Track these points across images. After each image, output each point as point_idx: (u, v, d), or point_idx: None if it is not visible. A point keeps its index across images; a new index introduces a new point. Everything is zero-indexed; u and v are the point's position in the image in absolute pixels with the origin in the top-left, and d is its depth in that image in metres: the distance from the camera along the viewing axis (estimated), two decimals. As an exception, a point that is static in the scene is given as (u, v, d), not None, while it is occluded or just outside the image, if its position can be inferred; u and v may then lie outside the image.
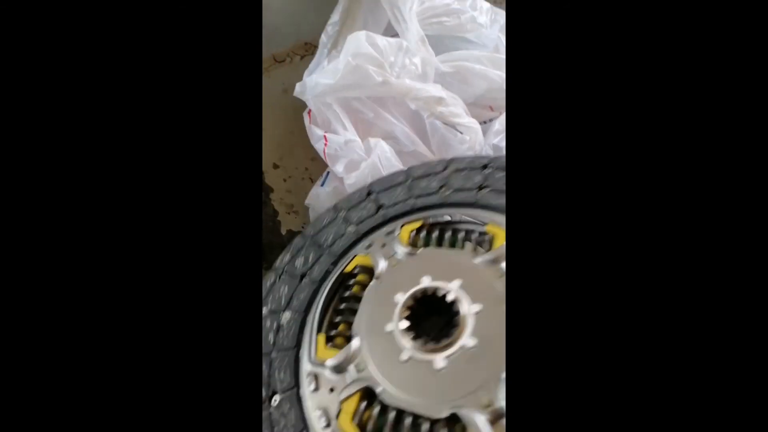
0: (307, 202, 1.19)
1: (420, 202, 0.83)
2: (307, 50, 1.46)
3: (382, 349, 0.71)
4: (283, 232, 1.28)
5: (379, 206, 0.86)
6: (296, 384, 0.74)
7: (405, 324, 0.71)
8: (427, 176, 0.85)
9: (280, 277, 0.83)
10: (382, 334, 0.72)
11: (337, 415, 0.69)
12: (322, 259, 0.82)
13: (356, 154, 1.05)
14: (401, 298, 0.73)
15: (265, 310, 0.81)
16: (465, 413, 0.61)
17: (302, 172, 1.32)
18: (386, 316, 0.73)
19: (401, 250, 0.78)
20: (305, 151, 1.27)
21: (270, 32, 1.33)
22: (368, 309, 0.75)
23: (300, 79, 1.22)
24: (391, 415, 0.67)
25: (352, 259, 0.81)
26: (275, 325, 0.80)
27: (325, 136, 1.07)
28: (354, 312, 0.77)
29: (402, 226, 0.80)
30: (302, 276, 0.81)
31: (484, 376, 0.62)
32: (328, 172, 1.17)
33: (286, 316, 0.80)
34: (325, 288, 0.81)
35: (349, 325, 0.77)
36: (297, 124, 1.26)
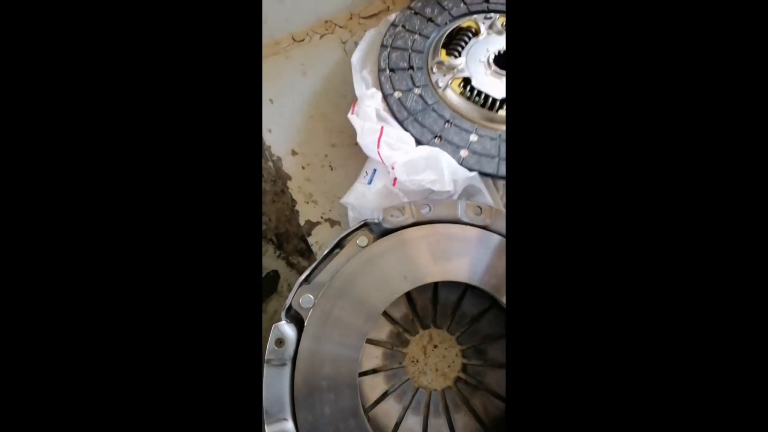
0: (347, 200, 1.13)
1: None
2: (327, 28, 1.39)
3: (477, 67, 1.17)
4: (302, 222, 1.20)
5: (486, 1, 1.28)
6: (422, 67, 1.19)
7: (492, 60, 1.18)
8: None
9: (414, 13, 1.25)
10: (477, 60, 1.18)
11: (448, 85, 1.17)
12: (444, 14, 1.25)
13: (409, 146, 1.10)
14: (492, 49, 1.19)
15: (401, 29, 1.24)
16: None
17: (321, 159, 1.25)
18: (482, 54, 1.18)
19: (497, 27, 1.23)
20: (325, 136, 1.26)
21: (289, 10, 1.33)
22: (473, 48, 1.20)
23: (320, 59, 1.33)
24: (476, 92, 1.16)
25: (465, 21, 1.24)
26: (411, 38, 1.22)
27: (381, 128, 1.09)
28: (463, 47, 1.20)
29: (500, 17, 1.24)
30: (430, 19, 1.24)
31: None
32: (375, 170, 1.15)
33: (416, 36, 1.22)
34: (446, 31, 1.23)
35: (459, 52, 1.19)
36: (317, 109, 1.28)
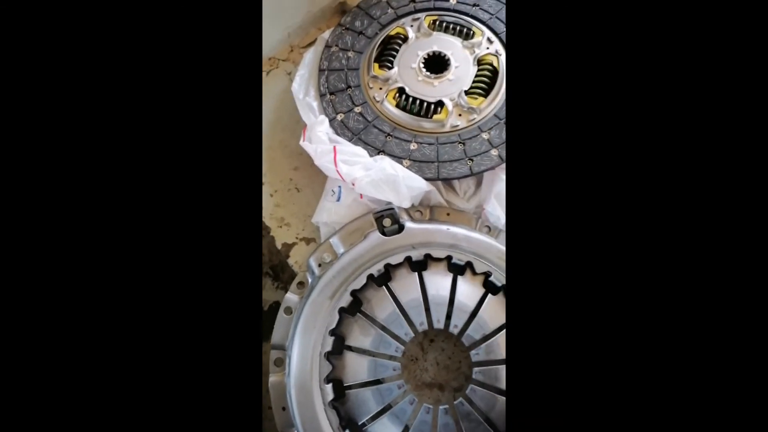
0: (319, 219, 1.21)
1: (439, 5, 1.34)
2: (272, 65, 1.47)
3: (409, 74, 1.24)
4: (279, 246, 1.27)
5: (412, 0, 1.36)
6: (359, 84, 1.24)
7: (422, 64, 1.24)
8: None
9: (345, 29, 1.31)
10: (409, 68, 1.24)
11: (385, 98, 1.25)
12: (373, 25, 1.32)
13: (364, 158, 1.16)
14: (421, 53, 1.26)
15: (335, 48, 1.29)
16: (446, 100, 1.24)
17: (287, 183, 1.32)
18: (412, 60, 1.25)
19: (424, 28, 1.29)
20: (287, 161, 1.34)
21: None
22: (404, 56, 1.26)
23: (270, 94, 1.40)
24: (411, 99, 1.24)
25: (394, 28, 1.30)
26: (345, 56, 1.28)
27: (335, 147, 1.14)
28: (394, 56, 1.26)
29: (426, 16, 1.30)
30: (360, 32, 1.31)
31: (454, 89, 1.23)
32: (340, 187, 1.21)
33: (350, 54, 1.28)
34: (377, 42, 1.29)
35: (391, 62, 1.26)
36: (274, 139, 1.37)
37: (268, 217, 1.28)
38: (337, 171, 1.12)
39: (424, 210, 1.14)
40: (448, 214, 1.14)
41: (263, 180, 1.31)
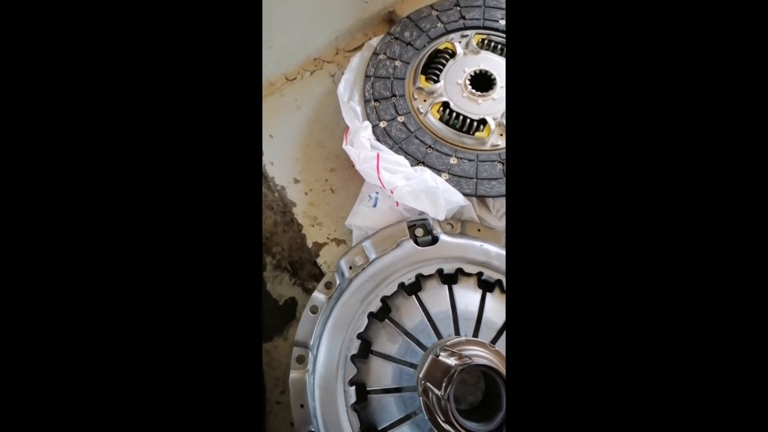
0: (354, 223, 1.24)
1: (489, 24, 1.39)
2: (316, 65, 1.50)
3: (455, 89, 1.27)
4: (309, 245, 1.30)
5: (462, 17, 1.41)
6: (404, 94, 1.28)
7: (468, 81, 1.27)
8: (500, 9, 1.44)
9: (394, 39, 1.35)
10: (455, 83, 1.28)
11: (429, 111, 1.29)
12: (422, 37, 1.39)
13: (406, 167, 1.18)
14: (468, 70, 1.29)
15: (383, 57, 1.32)
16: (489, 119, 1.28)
17: (322, 183, 1.35)
18: (459, 76, 1.29)
19: (473, 46, 1.33)
20: (323, 162, 1.38)
21: (279, 52, 1.43)
22: (450, 70, 1.29)
23: (312, 94, 1.45)
24: (454, 114, 1.28)
25: (443, 42, 1.34)
26: (392, 65, 1.32)
27: (378, 155, 1.17)
28: (441, 70, 1.30)
29: (475, 34, 1.34)
30: (409, 43, 1.35)
31: (497, 109, 1.26)
32: (377, 193, 1.24)
33: (397, 63, 1.32)
34: (425, 54, 1.33)
35: (437, 76, 1.29)
36: (312, 138, 1.41)
37: (301, 214, 1.31)
38: (379, 178, 1.15)
39: (456, 223, 1.18)
40: (479, 230, 1.17)
41: (299, 178, 1.34)
